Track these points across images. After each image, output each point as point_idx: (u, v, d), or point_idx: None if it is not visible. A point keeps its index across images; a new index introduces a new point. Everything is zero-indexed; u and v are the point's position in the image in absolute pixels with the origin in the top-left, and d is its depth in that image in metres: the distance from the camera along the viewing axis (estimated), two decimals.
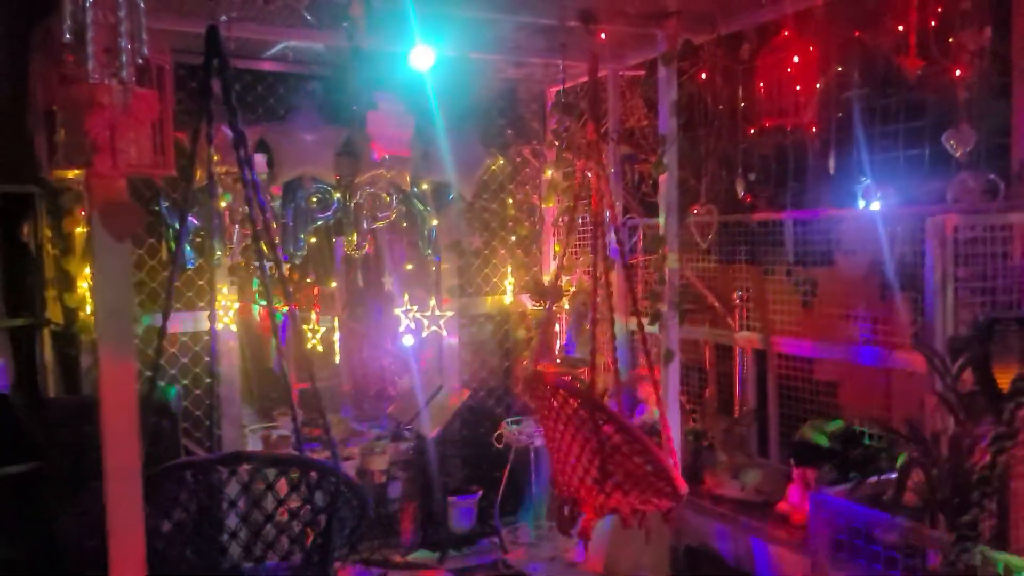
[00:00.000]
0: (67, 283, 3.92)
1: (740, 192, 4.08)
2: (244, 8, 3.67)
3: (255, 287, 4.74)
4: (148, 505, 2.40)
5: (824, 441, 3.57)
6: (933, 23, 3.09)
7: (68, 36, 1.13)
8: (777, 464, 4.04)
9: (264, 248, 2.78)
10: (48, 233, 3.85)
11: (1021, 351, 2.40)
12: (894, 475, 2.64)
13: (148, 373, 3.03)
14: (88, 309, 3.92)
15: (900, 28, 2.99)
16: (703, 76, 4.02)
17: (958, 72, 2.94)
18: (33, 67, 1.55)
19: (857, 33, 3.59)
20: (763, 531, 3.57)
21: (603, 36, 3.53)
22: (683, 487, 3.01)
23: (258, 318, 4.87)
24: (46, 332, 3.85)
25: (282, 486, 2.69)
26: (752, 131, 4.07)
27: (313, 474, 2.61)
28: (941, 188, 3.26)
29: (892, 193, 3.54)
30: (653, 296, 4.10)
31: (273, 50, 4.43)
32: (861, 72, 3.67)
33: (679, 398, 4.05)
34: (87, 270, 3.89)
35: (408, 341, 5.05)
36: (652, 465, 2.94)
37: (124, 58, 1.16)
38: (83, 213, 3.82)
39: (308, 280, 5.18)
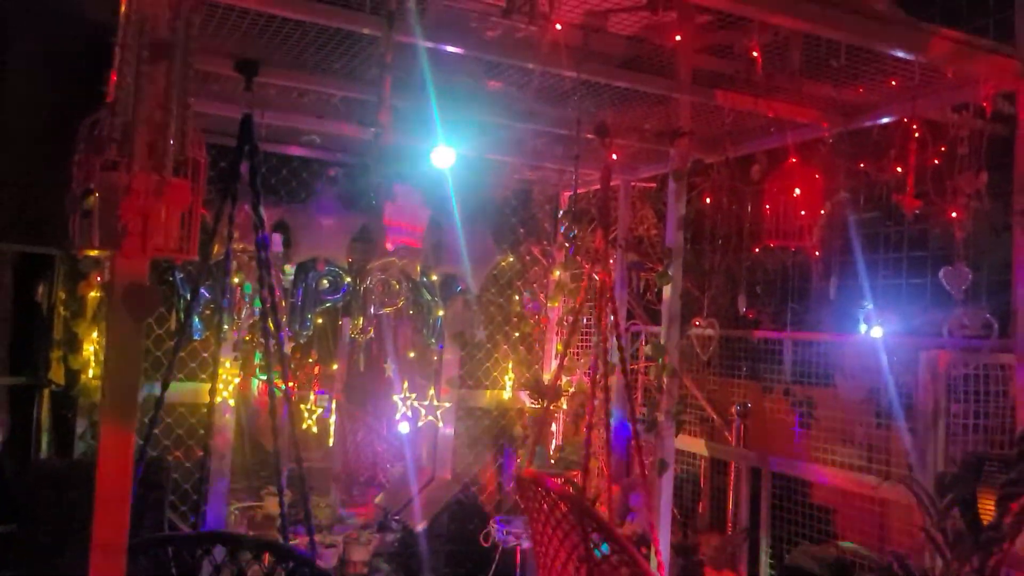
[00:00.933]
0: (74, 345, 3.97)
1: (742, 308, 4.14)
2: (280, 98, 3.84)
3: (257, 360, 4.77)
4: None
5: (815, 568, 3.50)
6: (936, 161, 3.19)
7: (116, 133, 1.22)
8: None
9: (271, 326, 2.84)
10: (62, 295, 3.92)
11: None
12: None
13: (140, 442, 3.04)
14: (91, 372, 3.95)
15: (899, 169, 3.11)
16: (710, 197, 4.14)
17: (954, 214, 3.03)
18: (76, 156, 1.65)
19: (862, 164, 3.72)
20: None
21: (615, 157, 3.67)
22: None
23: (256, 392, 4.88)
24: (46, 393, 3.87)
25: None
26: (757, 249, 4.15)
27: (290, 563, 2.57)
28: (942, 319, 3.29)
29: (893, 320, 3.59)
30: (651, 403, 4.11)
31: (301, 137, 4.60)
32: (865, 201, 3.78)
33: (671, 510, 4.00)
34: (95, 334, 3.95)
35: (404, 428, 5.04)
36: None
37: (167, 155, 1.25)
38: (99, 279, 3.90)
39: (310, 359, 5.21)
